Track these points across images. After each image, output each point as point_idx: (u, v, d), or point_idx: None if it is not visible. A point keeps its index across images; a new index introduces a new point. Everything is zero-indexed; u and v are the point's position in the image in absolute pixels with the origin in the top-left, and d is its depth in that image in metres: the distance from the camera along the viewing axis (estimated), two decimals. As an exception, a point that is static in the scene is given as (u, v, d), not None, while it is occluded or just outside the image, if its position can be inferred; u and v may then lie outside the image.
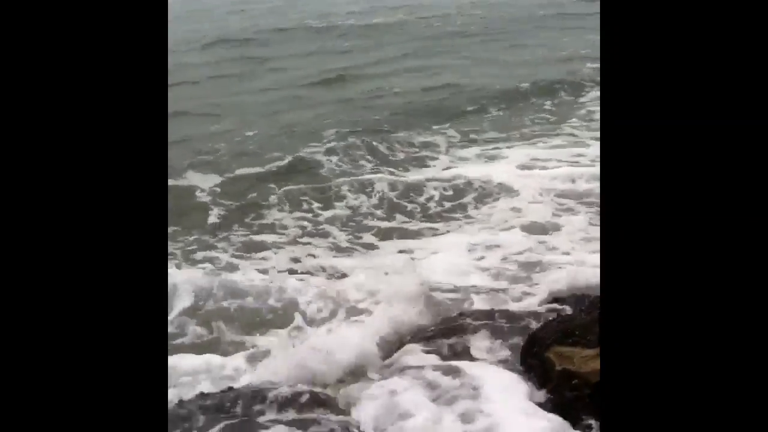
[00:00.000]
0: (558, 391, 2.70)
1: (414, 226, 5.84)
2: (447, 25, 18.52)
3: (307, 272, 4.96)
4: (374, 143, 7.88)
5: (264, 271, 4.96)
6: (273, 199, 6.53)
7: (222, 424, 2.65)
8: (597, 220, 5.27)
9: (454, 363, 3.16)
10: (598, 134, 6.69)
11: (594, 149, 7.03)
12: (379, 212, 6.16)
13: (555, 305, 3.67)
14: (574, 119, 8.60)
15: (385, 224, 5.92)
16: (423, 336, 3.58)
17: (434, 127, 8.62)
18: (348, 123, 8.95)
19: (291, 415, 2.76)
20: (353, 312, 4.17)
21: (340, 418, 2.78)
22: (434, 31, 17.68)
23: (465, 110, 9.39)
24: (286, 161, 7.49)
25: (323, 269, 5.03)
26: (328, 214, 6.18)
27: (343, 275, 4.84)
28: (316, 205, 6.38)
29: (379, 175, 6.95)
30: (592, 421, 2.53)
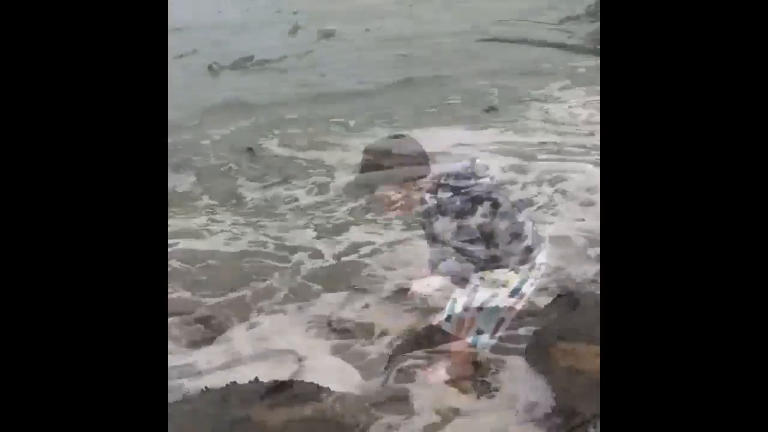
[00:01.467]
0: (562, 387, 2.69)
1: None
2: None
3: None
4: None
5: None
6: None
7: (223, 419, 2.65)
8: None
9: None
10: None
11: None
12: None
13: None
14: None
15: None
16: (424, 333, 3.56)
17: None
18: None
19: (287, 407, 2.76)
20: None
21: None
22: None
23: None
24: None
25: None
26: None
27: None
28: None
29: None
30: (597, 418, 2.52)
